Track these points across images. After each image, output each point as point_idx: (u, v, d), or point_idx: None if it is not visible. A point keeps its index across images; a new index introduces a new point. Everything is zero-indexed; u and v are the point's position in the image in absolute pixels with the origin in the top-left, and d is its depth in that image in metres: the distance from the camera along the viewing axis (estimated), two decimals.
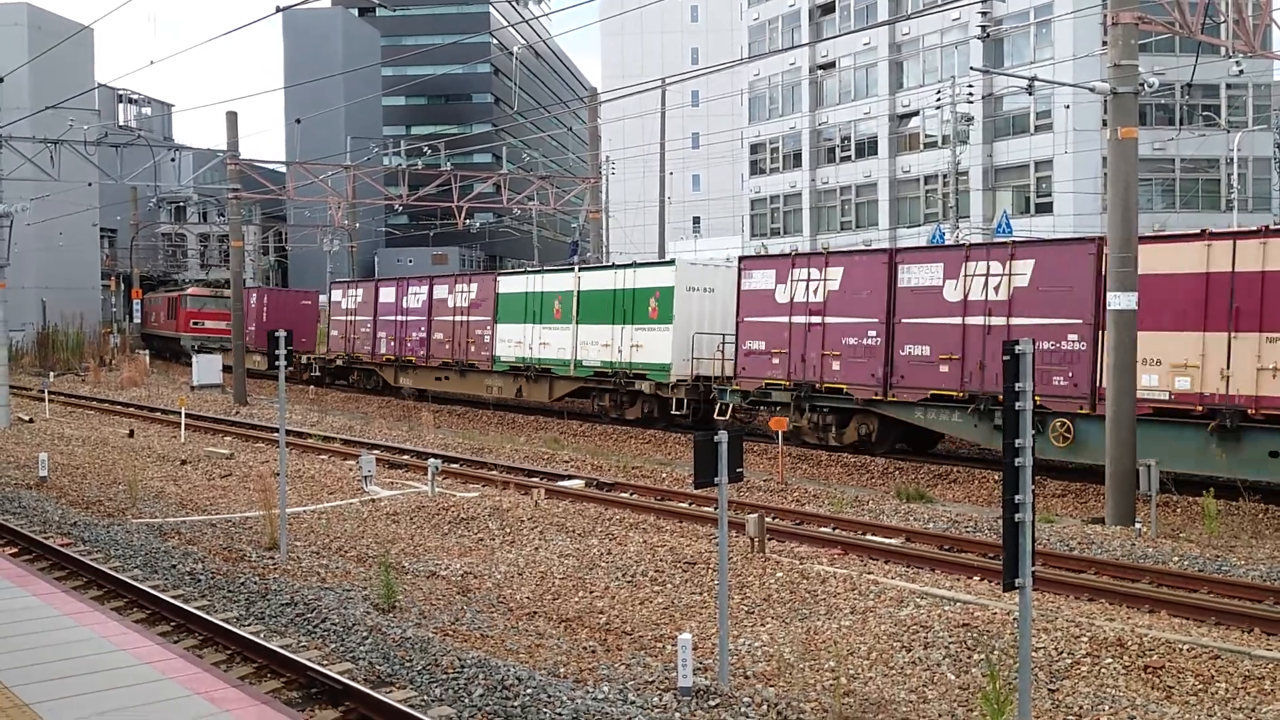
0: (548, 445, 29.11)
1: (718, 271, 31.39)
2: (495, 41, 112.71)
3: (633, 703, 9.53)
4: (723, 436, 9.77)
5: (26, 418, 34.96)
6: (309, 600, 12.94)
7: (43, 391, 40.59)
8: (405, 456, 26.22)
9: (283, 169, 62.91)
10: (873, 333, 25.42)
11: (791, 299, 27.11)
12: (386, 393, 44.75)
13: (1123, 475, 18.14)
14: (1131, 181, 18.14)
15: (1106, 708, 9.51)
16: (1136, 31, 18.05)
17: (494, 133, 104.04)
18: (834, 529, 17.89)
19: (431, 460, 21.47)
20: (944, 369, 23.90)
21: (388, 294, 44.06)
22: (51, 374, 51.85)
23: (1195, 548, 16.12)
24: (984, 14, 44.72)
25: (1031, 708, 8.57)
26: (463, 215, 44.40)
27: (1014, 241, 24.39)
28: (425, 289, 42.01)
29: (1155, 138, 46.83)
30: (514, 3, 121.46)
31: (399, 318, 43.02)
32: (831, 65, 62.11)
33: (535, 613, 12.92)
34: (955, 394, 23.66)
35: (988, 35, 42.00)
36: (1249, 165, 48.68)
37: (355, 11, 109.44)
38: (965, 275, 23.55)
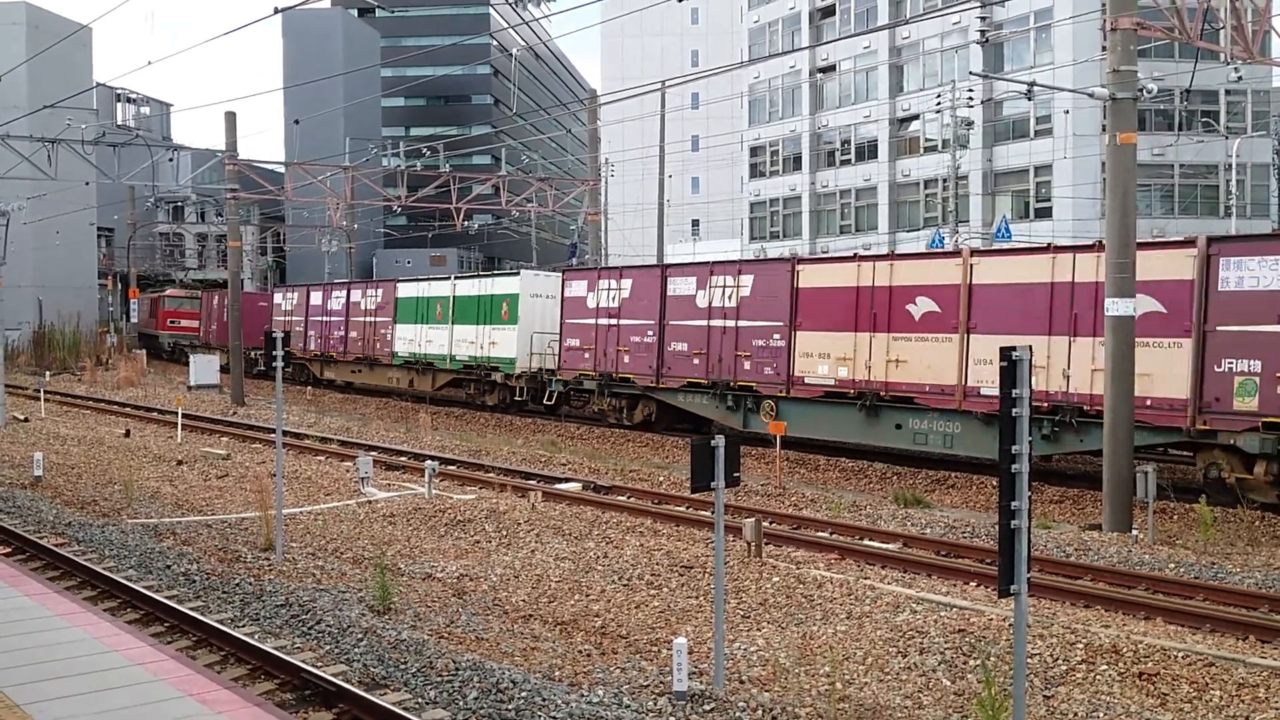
0: (545, 448, 29.12)
1: (554, 280, 36.59)
2: (495, 43, 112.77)
3: (627, 707, 9.53)
4: (719, 442, 9.77)
5: (22, 417, 34.96)
6: (304, 602, 12.93)
7: (39, 391, 40.58)
8: (402, 458, 26.21)
9: (281, 169, 62.84)
10: (650, 333, 31.17)
11: (598, 305, 32.91)
12: (316, 384, 50.52)
13: (1120, 482, 18.15)
14: (1130, 187, 18.17)
15: (1101, 714, 9.52)
16: (1135, 37, 18.07)
17: (493, 134, 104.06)
18: (831, 534, 17.89)
19: (428, 462, 21.48)
20: (695, 361, 29.61)
21: (316, 297, 50.06)
22: (48, 373, 51.85)
23: (1191, 554, 16.13)
24: (983, 19, 44.77)
25: (1026, 714, 8.58)
26: (461, 217, 44.42)
27: (742, 261, 32.34)
28: (345, 293, 47.76)
29: (1154, 143, 46.90)
30: (514, 4, 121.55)
31: (324, 318, 49.09)
32: (831, 69, 62.17)
33: (531, 615, 12.92)
34: (703, 381, 29.30)
35: (987, 40, 42.06)
36: (1248, 171, 48.74)
37: (355, 12, 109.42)
38: (710, 287, 29.23)
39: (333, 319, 48.32)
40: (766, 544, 16.19)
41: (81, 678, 9.10)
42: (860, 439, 25.79)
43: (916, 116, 57.22)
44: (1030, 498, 7.11)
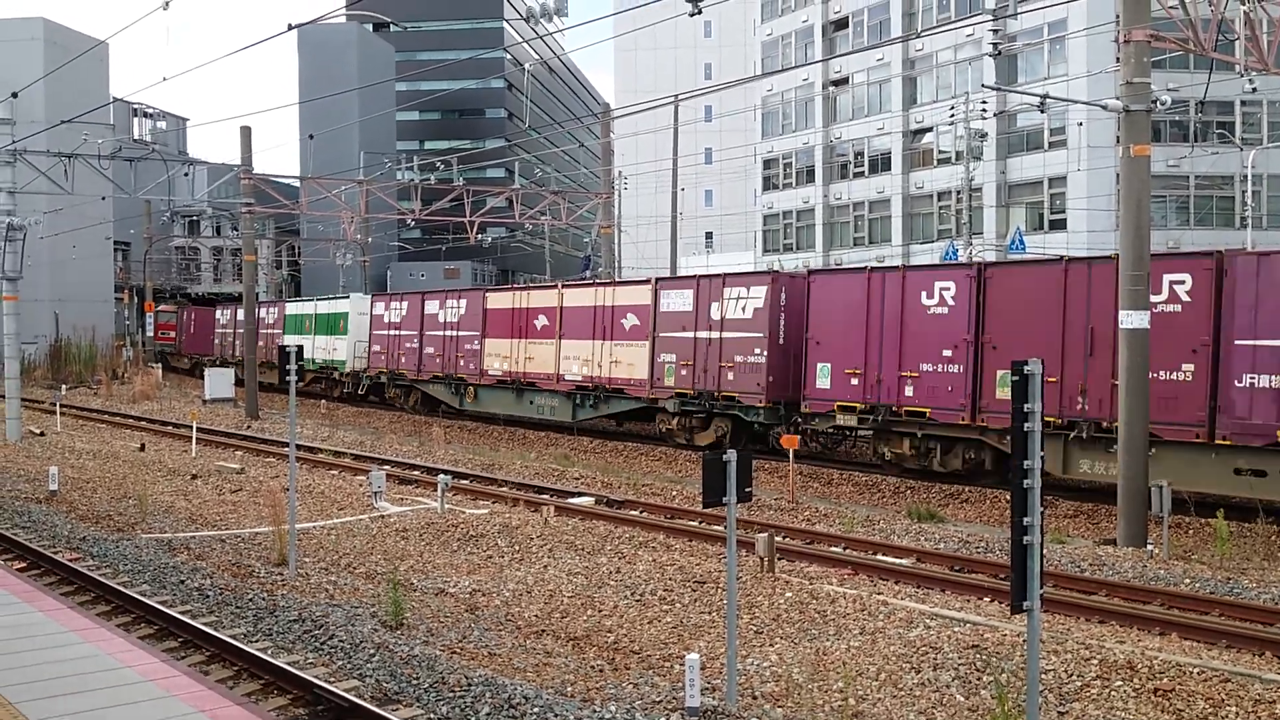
0: (558, 462, 29.12)
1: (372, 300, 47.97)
2: (509, 57, 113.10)
3: None
4: (731, 456, 9.76)
5: (38, 431, 35.10)
6: (317, 617, 12.95)
7: (54, 404, 40.74)
8: (415, 472, 26.23)
9: (296, 183, 63.10)
10: (414, 340, 42.90)
11: (388, 320, 44.86)
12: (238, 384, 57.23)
13: (1135, 496, 18.07)
14: (1144, 199, 18.11)
15: None
16: (1149, 49, 18.04)
17: (507, 148, 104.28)
18: (844, 549, 17.84)
19: (441, 476, 21.48)
20: (438, 361, 41.21)
21: (225, 314, 63.07)
22: (63, 387, 52.05)
23: (1207, 570, 16.04)
24: (996, 31, 44.74)
25: None
26: (475, 230, 44.50)
27: (462, 290, 42.12)
28: (262, 310, 58.09)
29: (1169, 154, 46.75)
30: (528, 19, 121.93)
31: (235, 329, 60.59)
32: (845, 81, 62.21)
33: (543, 631, 12.91)
34: (441, 375, 41.07)
35: (1000, 52, 42.02)
36: (1264, 182, 48.54)
37: (370, 27, 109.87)
38: (445, 306, 41.16)
39: (241, 330, 58.68)
40: (779, 559, 16.15)
41: (94, 694, 9.12)
42: (513, 410, 37.52)
43: (930, 129, 57.20)
44: (1044, 513, 7.08)
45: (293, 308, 55.30)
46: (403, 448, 32.34)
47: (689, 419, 30.75)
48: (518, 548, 17.36)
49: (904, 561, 16.82)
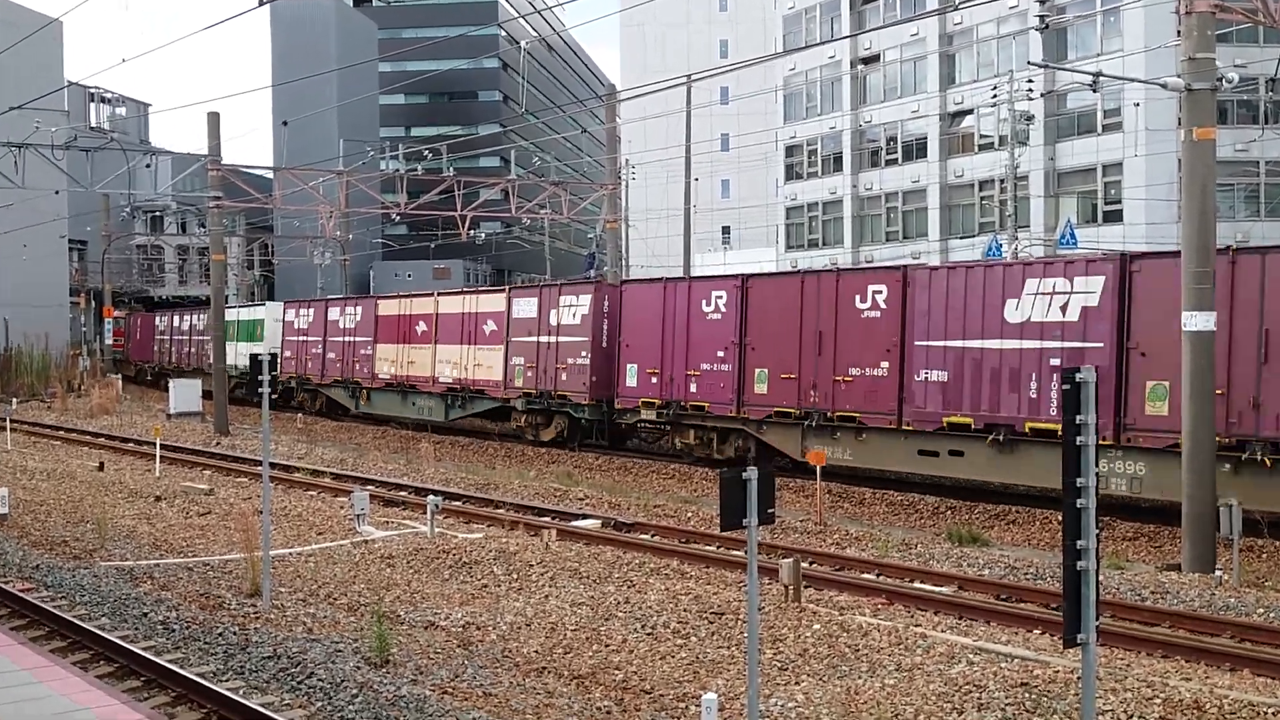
0: (560, 481, 29.13)
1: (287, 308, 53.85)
2: (504, 34, 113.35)
3: None
4: (752, 474, 9.73)
5: None
6: (294, 653, 12.95)
7: (4, 420, 40.84)
8: (402, 493, 26.26)
9: (269, 175, 63.18)
10: (318, 346, 49.04)
11: (298, 326, 50.94)
12: (165, 390, 64.72)
13: (1201, 517, 18.00)
14: (1209, 187, 18.07)
15: None
16: (1214, 21, 18.00)
17: (502, 134, 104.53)
18: (878, 575, 17.81)
19: (431, 497, 21.50)
20: (339, 365, 47.30)
21: (177, 320, 68.07)
22: (14, 401, 52.17)
23: None
24: (1043, 2, 44.70)
25: None
26: (467, 225, 44.58)
27: (356, 298, 50.59)
28: (176, 318, 67.69)
29: (1237, 138, 46.64)
30: None
31: (172, 336, 67.52)
32: (876, 59, 62.23)
33: (544, 668, 12.90)
34: (340, 379, 46.70)
35: (1048, 26, 41.97)
36: None
37: (349, 2, 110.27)
38: (344, 314, 47.27)
39: (177, 337, 66.53)
40: (806, 587, 16.13)
41: None
42: (400, 412, 43.74)
43: (970, 111, 57.17)
44: (1100, 535, 7.06)
45: (225, 314, 60.30)
46: (388, 466, 32.38)
47: (535, 417, 36.84)
48: (516, 575, 17.35)
49: (944, 590, 16.79)
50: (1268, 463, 20.09)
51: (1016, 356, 23.80)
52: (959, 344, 24.75)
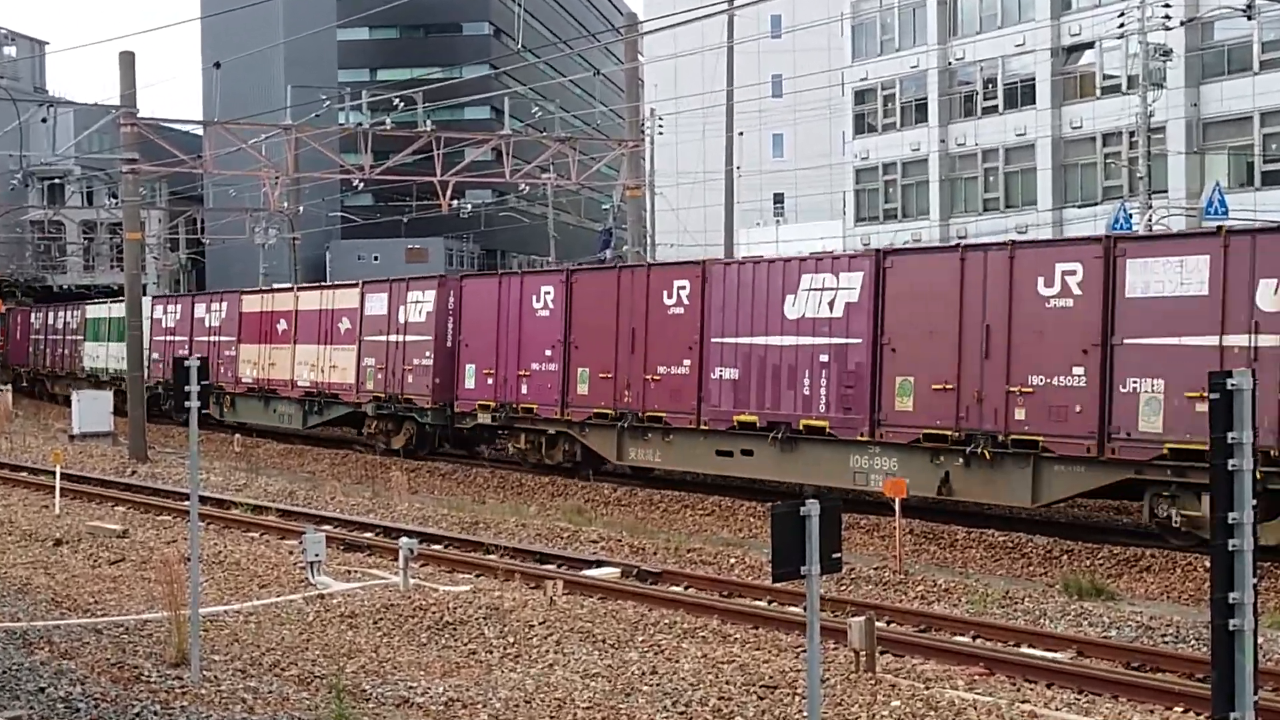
0: (568, 518, 29.16)
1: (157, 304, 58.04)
2: None
3: None
4: (812, 510, 9.71)
5: None
6: None
7: None
8: (368, 534, 26.32)
9: (198, 131, 63.53)
10: (184, 348, 51.34)
11: (165, 325, 56.08)
12: (42, 398, 72.68)
13: None
14: None
15: None
16: None
17: (493, 78, 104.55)
18: (974, 638, 17.78)
19: (404, 540, 21.54)
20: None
21: (38, 318, 74.51)
22: None
23: None
24: None
25: None
26: (449, 194, 44.63)
27: (223, 292, 56.63)
28: (52, 314, 72.51)
29: None
30: None
31: (47, 335, 72.32)
32: None
33: None
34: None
35: None
36: None
37: None
38: (210, 311, 52.14)
39: (52, 337, 71.38)
40: (882, 653, 16.10)
41: None
42: (262, 419, 48.05)
43: (1091, 45, 57.06)
44: (1259, 585, 7.03)
45: (94, 311, 65.87)
46: (349, 500, 32.46)
47: (385, 423, 41.86)
48: (512, 639, 17.37)
49: (1059, 656, 16.75)
50: (988, 455, 25.26)
51: (794, 353, 28.87)
52: (748, 341, 29.71)
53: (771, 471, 30.14)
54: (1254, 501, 7.02)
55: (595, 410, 33.41)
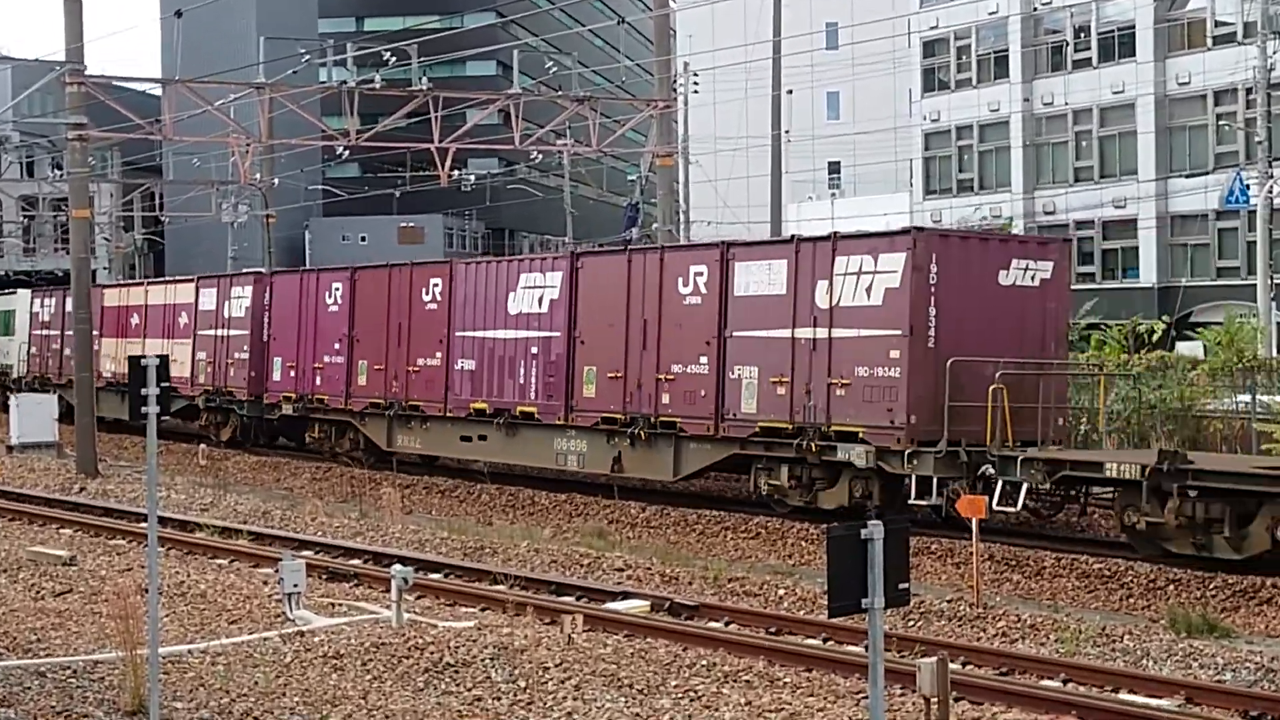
0: (588, 542, 29.09)
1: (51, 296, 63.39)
2: None
3: None
4: (875, 532, 9.68)
5: None
6: None
7: None
8: (355, 561, 26.32)
9: (156, 91, 63.67)
10: (55, 342, 60.12)
11: (42, 319, 62.57)
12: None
13: None
14: None
15: None
16: None
17: (499, 27, 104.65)
18: (1065, 682, 17.74)
19: (397, 568, 21.52)
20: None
21: None
22: None
23: None
24: None
25: None
26: (449, 163, 44.68)
27: (120, 284, 65.56)
28: None
29: None
30: None
31: None
32: None
33: None
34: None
35: None
36: None
37: None
38: (103, 305, 55.48)
39: None
40: (958, 699, 16.09)
41: None
42: (118, 413, 49.33)
43: None
44: None
45: None
46: (333, 521, 32.41)
47: (214, 415, 49.99)
48: (524, 684, 17.37)
49: (1166, 703, 16.70)
50: (644, 435, 33.23)
51: (514, 346, 37.14)
52: (482, 334, 38.15)
53: (500, 454, 38.82)
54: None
55: (370, 400, 42.10)
